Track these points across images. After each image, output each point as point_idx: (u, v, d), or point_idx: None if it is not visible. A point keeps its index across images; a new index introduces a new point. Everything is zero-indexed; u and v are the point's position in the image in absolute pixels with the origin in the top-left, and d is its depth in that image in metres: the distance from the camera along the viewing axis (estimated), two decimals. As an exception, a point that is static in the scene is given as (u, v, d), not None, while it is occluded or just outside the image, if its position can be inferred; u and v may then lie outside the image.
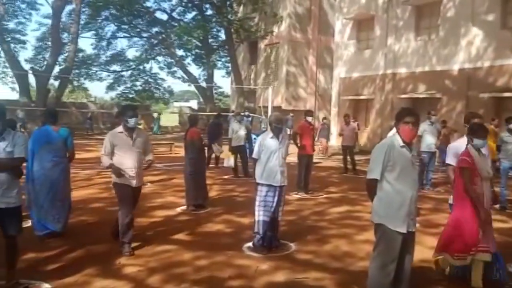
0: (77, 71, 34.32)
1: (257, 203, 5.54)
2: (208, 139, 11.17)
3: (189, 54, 34.74)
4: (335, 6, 25.33)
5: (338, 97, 23.38)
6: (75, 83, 37.02)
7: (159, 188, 9.88)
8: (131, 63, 37.54)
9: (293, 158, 9.39)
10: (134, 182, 5.34)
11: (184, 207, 7.88)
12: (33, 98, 28.61)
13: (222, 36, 32.05)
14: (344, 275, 4.83)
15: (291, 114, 24.62)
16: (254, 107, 28.36)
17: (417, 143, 9.78)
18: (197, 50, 33.17)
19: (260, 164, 5.55)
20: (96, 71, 36.45)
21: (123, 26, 34.41)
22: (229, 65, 33.01)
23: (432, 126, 10.40)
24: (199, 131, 8.29)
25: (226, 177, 11.71)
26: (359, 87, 21.98)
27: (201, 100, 39.31)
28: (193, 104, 51.98)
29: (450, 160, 4.87)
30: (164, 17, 34.53)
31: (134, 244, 5.42)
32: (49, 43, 30.62)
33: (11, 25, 32.65)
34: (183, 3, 33.05)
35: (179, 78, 37.71)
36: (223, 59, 37.27)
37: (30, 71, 29.46)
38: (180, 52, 34.92)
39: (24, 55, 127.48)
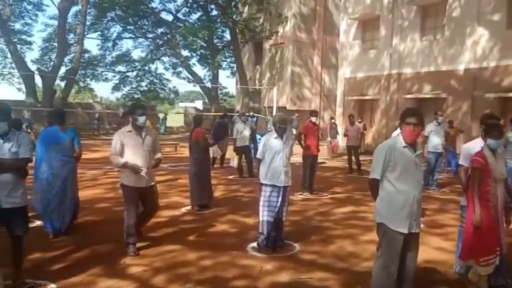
0: (83, 71, 34.50)
1: (261, 203, 5.55)
2: (214, 139, 11.21)
3: (194, 54, 34.80)
4: (340, 6, 25.25)
5: (343, 97, 23.31)
6: (81, 84, 37.18)
7: (164, 188, 9.89)
8: (137, 64, 37.69)
9: (297, 158, 9.39)
10: (145, 182, 5.29)
11: (189, 207, 7.90)
12: (39, 98, 28.76)
13: (227, 36, 32.21)
14: (348, 275, 4.82)
15: (296, 115, 24.60)
16: (259, 108, 28.38)
17: (424, 144, 9.72)
18: (202, 51, 33.17)
19: (264, 164, 5.55)
20: (102, 71, 36.64)
21: (128, 27, 34.55)
22: (234, 65, 33.07)
23: (439, 127, 10.32)
24: (204, 131, 8.31)
25: (231, 177, 11.73)
26: (364, 87, 21.91)
27: (206, 100, 39.37)
28: (198, 104, 52.06)
29: (463, 161, 4.77)
30: (170, 18, 34.72)
31: (139, 244, 5.43)
32: (55, 44, 30.81)
33: (17, 26, 33.07)
34: (188, 4, 33.18)
35: (184, 78, 37.89)
36: (228, 60, 37.37)
37: (37, 72, 29.60)
38: (185, 53, 35.10)
39: (31, 56, 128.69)
